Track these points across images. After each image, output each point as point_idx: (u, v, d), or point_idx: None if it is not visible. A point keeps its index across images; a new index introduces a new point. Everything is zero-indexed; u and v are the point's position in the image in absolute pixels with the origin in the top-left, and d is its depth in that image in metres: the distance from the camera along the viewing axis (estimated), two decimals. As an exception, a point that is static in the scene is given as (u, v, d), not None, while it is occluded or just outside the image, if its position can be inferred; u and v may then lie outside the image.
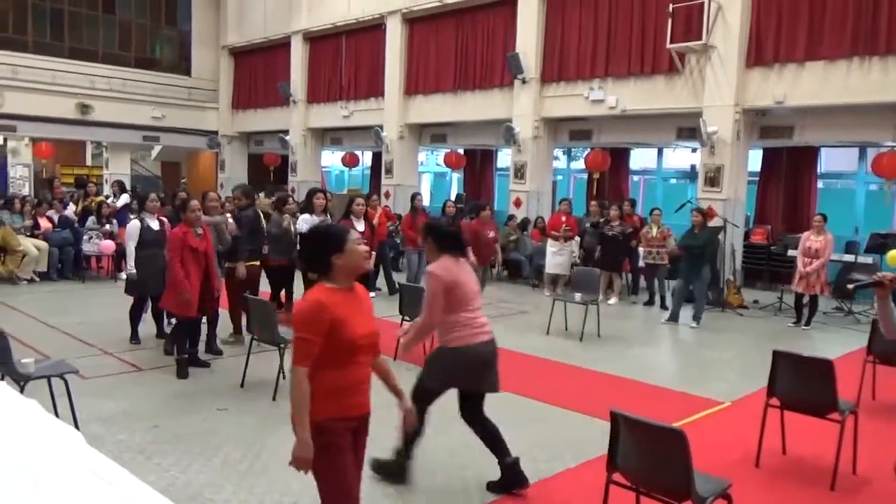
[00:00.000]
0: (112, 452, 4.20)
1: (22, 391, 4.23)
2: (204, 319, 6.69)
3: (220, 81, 22.15)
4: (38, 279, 10.88)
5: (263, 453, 4.52)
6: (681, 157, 15.45)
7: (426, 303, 3.99)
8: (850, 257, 11.13)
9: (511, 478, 4.05)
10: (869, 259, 10.68)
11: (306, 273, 7.81)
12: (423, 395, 4.02)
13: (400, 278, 10.63)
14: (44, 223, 11.39)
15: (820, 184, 13.16)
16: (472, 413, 4.19)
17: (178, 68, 22.01)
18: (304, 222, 7.91)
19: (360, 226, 8.01)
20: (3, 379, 4.34)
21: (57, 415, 4.17)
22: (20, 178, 20.13)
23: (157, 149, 22.74)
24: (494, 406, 5.69)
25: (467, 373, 4.04)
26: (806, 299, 9.45)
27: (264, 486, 4.02)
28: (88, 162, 23.09)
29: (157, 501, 1.27)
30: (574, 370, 6.96)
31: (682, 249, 9.55)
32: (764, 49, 11.07)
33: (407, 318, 7.05)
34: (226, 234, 7.16)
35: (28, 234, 10.99)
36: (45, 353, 6.04)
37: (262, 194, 8.79)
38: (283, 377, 5.80)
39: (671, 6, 11.58)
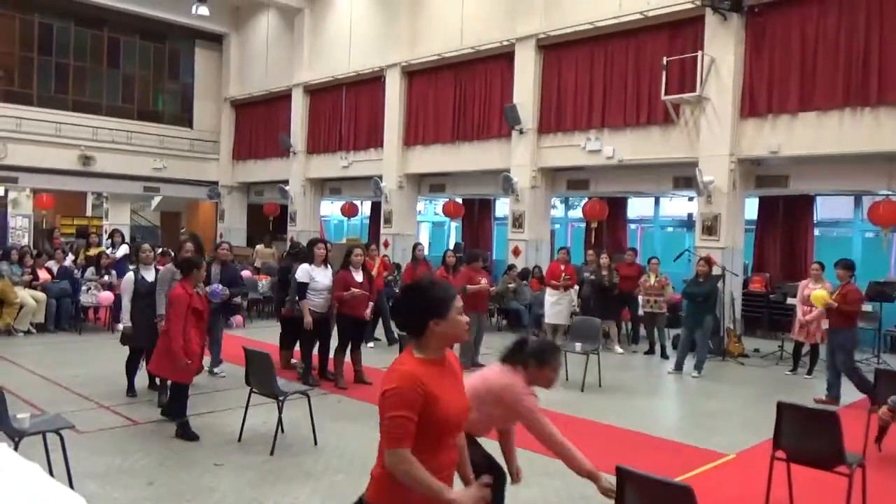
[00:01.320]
0: (106, 510, 4.11)
1: (16, 447, 4.16)
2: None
3: (221, 133, 22.45)
4: (34, 331, 10.81)
5: (261, 510, 4.43)
6: (678, 206, 15.56)
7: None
8: (849, 305, 11.12)
9: None
10: (869, 307, 10.67)
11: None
12: None
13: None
14: (42, 274, 11.37)
15: (816, 231, 13.24)
16: None
17: (180, 120, 22.34)
18: (302, 272, 7.91)
19: (359, 276, 8.00)
20: (-3, 435, 4.28)
21: (51, 471, 4.10)
22: (20, 229, 20.20)
23: (157, 199, 22.91)
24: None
25: None
26: (806, 348, 9.42)
27: (262, 545, 3.92)
28: (88, 212, 23.21)
29: None
30: (576, 421, 6.86)
31: (686, 298, 9.56)
32: (757, 100, 11.27)
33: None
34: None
35: (26, 286, 10.96)
36: (41, 407, 5.97)
37: (259, 246, 8.88)
38: (282, 431, 5.72)
39: (665, 59, 11.84)
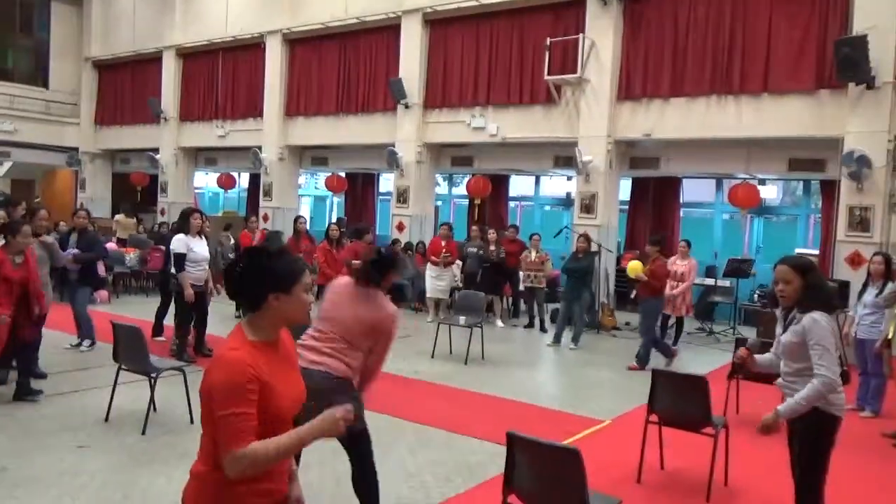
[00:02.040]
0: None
1: None
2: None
3: (81, 95, 20.76)
4: None
5: (134, 493, 4.15)
6: (557, 184, 16.05)
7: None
8: (710, 281, 11.96)
9: None
10: (727, 282, 11.50)
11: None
12: None
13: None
14: None
15: (682, 212, 14.07)
16: None
17: (33, 80, 20.45)
18: (179, 242, 7.48)
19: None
20: None
21: None
22: None
23: (6, 165, 20.90)
24: (382, 431, 5.56)
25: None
26: (672, 321, 10.00)
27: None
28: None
29: None
30: (460, 393, 6.95)
31: (565, 273, 9.87)
32: (633, 84, 11.75)
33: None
34: (59, 255, 6.83)
35: None
36: None
37: (120, 216, 8.20)
38: (155, 409, 5.39)
39: (549, 40, 12.08)
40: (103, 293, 11.31)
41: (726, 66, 10.81)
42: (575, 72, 11.88)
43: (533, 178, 16.06)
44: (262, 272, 2.14)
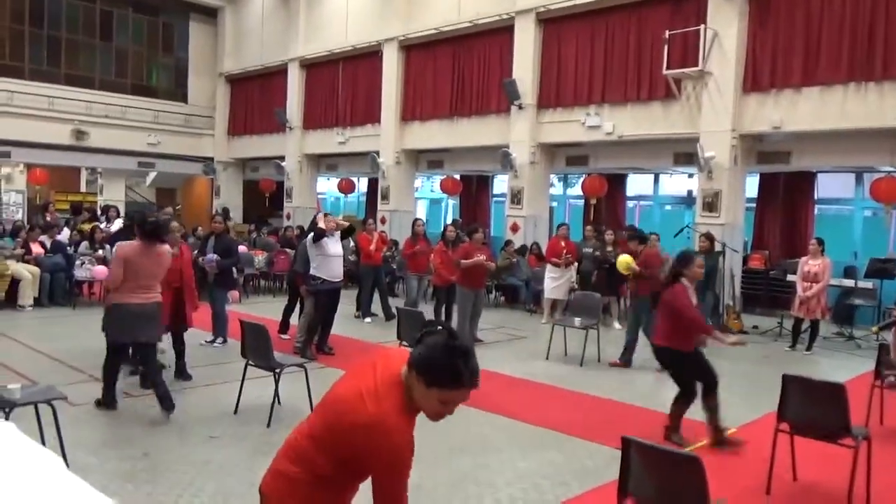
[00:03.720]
0: (100, 482, 4.04)
1: (7, 418, 4.08)
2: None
3: (216, 108, 22.19)
4: (30, 306, 10.70)
5: (258, 481, 4.35)
6: (678, 182, 15.44)
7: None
8: (849, 282, 11.07)
9: None
10: (869, 284, 10.62)
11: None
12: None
13: (397, 303, 10.49)
14: (35, 248, 11.24)
15: (817, 209, 13.15)
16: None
17: (174, 95, 22.06)
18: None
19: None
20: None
21: (44, 442, 4.02)
22: (13, 205, 20.00)
23: (152, 175, 22.70)
24: (498, 431, 5.56)
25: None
26: (806, 324, 9.37)
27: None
28: (83, 188, 22.99)
29: None
30: (576, 396, 6.82)
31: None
32: (760, 75, 11.11)
33: (405, 342, 6.92)
34: None
35: (19, 259, 10.83)
36: (33, 379, 5.87)
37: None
38: (279, 402, 5.65)
39: (667, 33, 11.65)
40: (235, 293, 11.99)
41: (867, 51, 10.00)
42: (696, 65, 11.38)
43: (651, 177, 15.54)
44: (455, 362, 1.97)
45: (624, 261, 8.20)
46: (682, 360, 5.26)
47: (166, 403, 5.47)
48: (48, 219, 13.60)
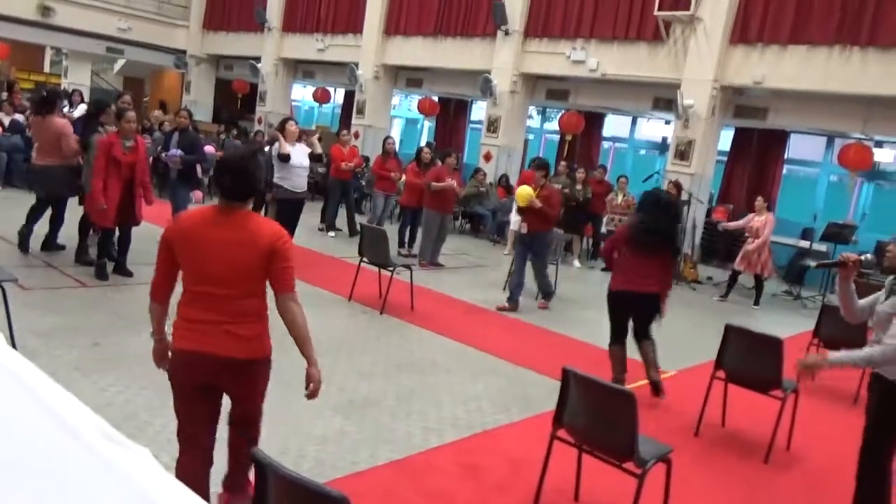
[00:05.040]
0: (47, 367, 4.04)
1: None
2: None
3: (192, -2, 21.23)
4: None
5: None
6: (654, 128, 15.45)
7: None
8: (805, 243, 11.36)
9: None
10: (823, 247, 10.91)
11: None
12: None
13: (362, 220, 10.48)
14: (-7, 126, 10.86)
15: (785, 169, 13.32)
16: None
17: (148, -22, 20.98)
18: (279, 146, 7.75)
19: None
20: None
21: (-8, 323, 4.00)
22: (-29, 78, 19.12)
23: (120, 62, 21.82)
24: (449, 354, 5.70)
25: None
26: (752, 283, 9.66)
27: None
28: (46, 69, 22.01)
29: (82, 410, 1.17)
30: (527, 327, 6.98)
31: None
32: (749, 27, 11.00)
33: (366, 259, 6.97)
34: None
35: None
36: (-15, 260, 5.79)
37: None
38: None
39: (663, -28, 11.41)
40: (198, 193, 11.79)
41: (856, 15, 9.94)
42: (688, 8, 11.21)
43: (629, 120, 15.49)
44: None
45: (524, 193, 7.36)
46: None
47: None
48: (15, 102, 13.01)
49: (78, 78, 20.33)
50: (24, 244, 6.98)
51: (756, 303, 9.56)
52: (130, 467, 1.21)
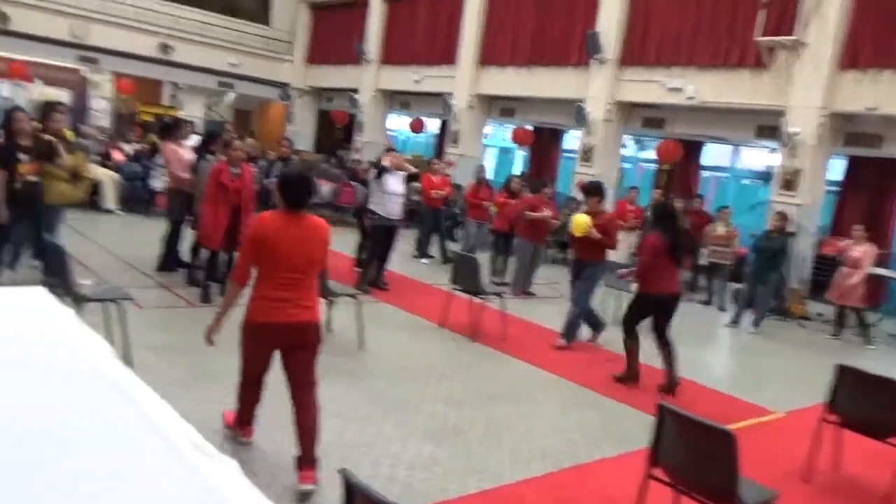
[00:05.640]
0: (153, 381, 4.27)
1: (78, 311, 4.32)
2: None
3: (296, 34, 22.28)
4: (120, 211, 11.18)
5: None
6: (757, 157, 14.84)
7: None
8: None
9: None
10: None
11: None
12: None
13: (455, 248, 10.58)
14: (115, 155, 11.68)
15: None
16: None
17: (257, 17, 22.20)
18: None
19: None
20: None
21: (111, 339, 4.27)
22: (100, 111, 20.68)
23: (231, 95, 23.14)
24: (541, 385, 5.63)
25: None
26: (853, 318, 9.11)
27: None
28: (165, 102, 23.57)
29: (178, 421, 1.24)
30: (621, 360, 6.78)
31: (755, 252, 9.25)
32: (861, 51, 10.45)
33: (458, 287, 7.00)
34: None
35: (100, 163, 11.28)
36: (105, 279, 6.20)
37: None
38: (329, 330, 5.82)
39: (766, -4, 11.04)
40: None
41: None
42: (791, 33, 10.79)
43: (730, 148, 14.96)
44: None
45: (580, 222, 6.69)
46: None
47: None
48: (136, 135, 13.97)
49: (192, 110, 21.65)
50: (168, 268, 7.65)
51: (868, 341, 8.94)
52: (215, 476, 1.26)
